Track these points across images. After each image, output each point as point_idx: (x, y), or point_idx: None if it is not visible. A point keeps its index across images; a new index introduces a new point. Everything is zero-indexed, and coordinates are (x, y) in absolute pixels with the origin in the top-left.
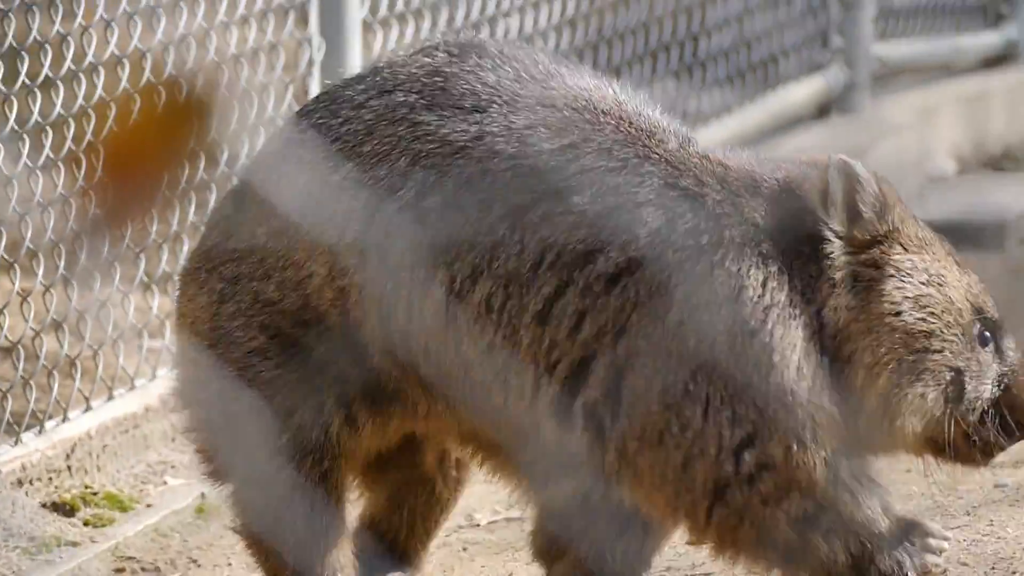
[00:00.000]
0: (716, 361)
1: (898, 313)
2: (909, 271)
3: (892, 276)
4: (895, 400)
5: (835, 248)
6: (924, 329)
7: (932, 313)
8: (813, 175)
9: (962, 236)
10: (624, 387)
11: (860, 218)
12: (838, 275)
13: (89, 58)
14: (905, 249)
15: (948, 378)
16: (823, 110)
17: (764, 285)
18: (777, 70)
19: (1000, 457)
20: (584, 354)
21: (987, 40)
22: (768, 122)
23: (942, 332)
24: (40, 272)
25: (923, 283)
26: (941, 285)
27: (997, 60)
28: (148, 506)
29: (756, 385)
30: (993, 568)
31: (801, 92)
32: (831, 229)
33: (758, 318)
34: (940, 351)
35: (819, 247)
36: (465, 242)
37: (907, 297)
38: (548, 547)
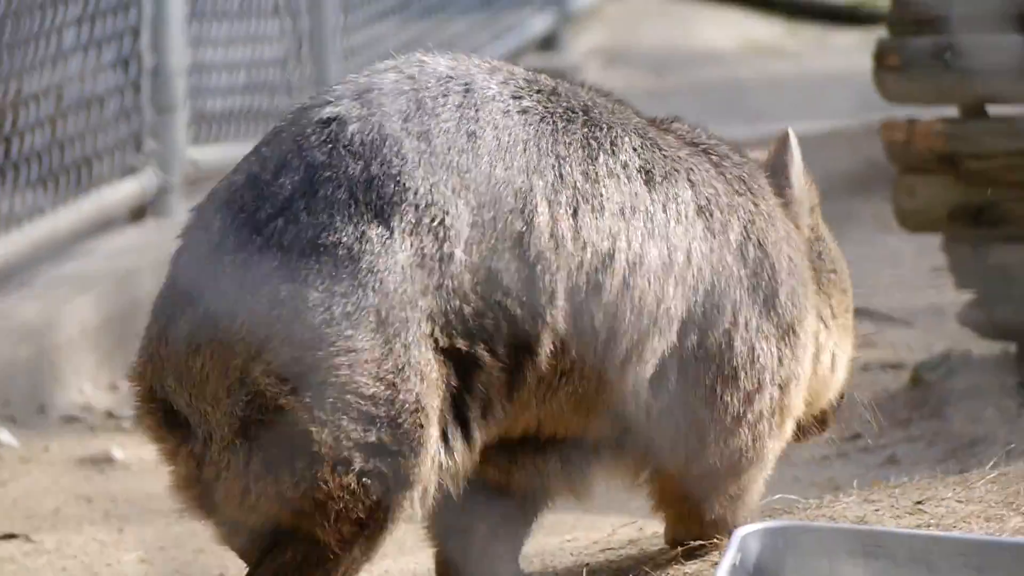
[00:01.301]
0: None
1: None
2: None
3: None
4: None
5: None
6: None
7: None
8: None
9: None
10: None
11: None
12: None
13: None
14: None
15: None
16: (138, 213)
17: None
18: (91, 173)
19: None
20: None
21: None
22: (83, 225)
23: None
24: None
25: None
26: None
27: None
28: None
29: None
30: None
31: (116, 195)
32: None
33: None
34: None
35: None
36: None
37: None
38: None
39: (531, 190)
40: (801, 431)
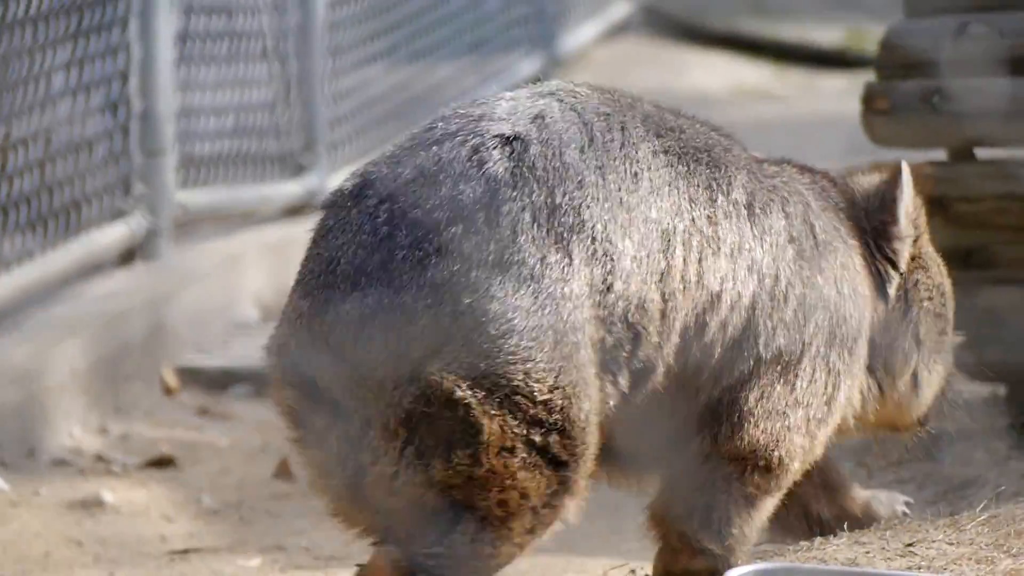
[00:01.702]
0: None
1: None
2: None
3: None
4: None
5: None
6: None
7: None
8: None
9: (266, 383)
10: None
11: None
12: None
13: None
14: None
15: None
16: (127, 256)
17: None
18: (80, 217)
19: None
20: None
21: (289, 190)
22: (72, 268)
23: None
24: None
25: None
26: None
27: (299, 209)
28: None
29: None
30: None
31: (104, 238)
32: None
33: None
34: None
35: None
36: None
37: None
38: None
39: (673, 233)
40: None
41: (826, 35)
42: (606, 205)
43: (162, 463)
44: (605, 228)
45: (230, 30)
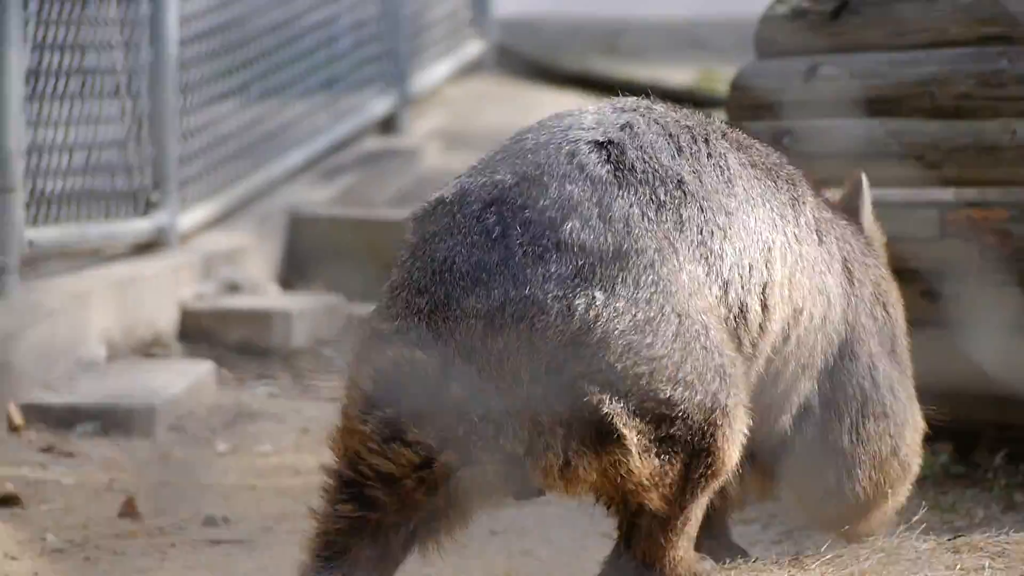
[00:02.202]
0: None
1: None
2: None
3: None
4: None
5: None
6: None
7: None
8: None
9: (113, 422)
10: None
11: None
12: None
13: None
14: None
15: None
16: None
17: None
18: None
19: None
20: None
21: (138, 226)
22: None
23: None
24: None
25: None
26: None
27: (148, 246)
28: None
29: None
30: None
31: None
32: None
33: None
34: None
35: None
36: None
37: None
38: None
39: (773, 246)
40: None
41: (678, 75)
42: (707, 205)
43: (6, 501)
44: (706, 228)
45: (81, 67)
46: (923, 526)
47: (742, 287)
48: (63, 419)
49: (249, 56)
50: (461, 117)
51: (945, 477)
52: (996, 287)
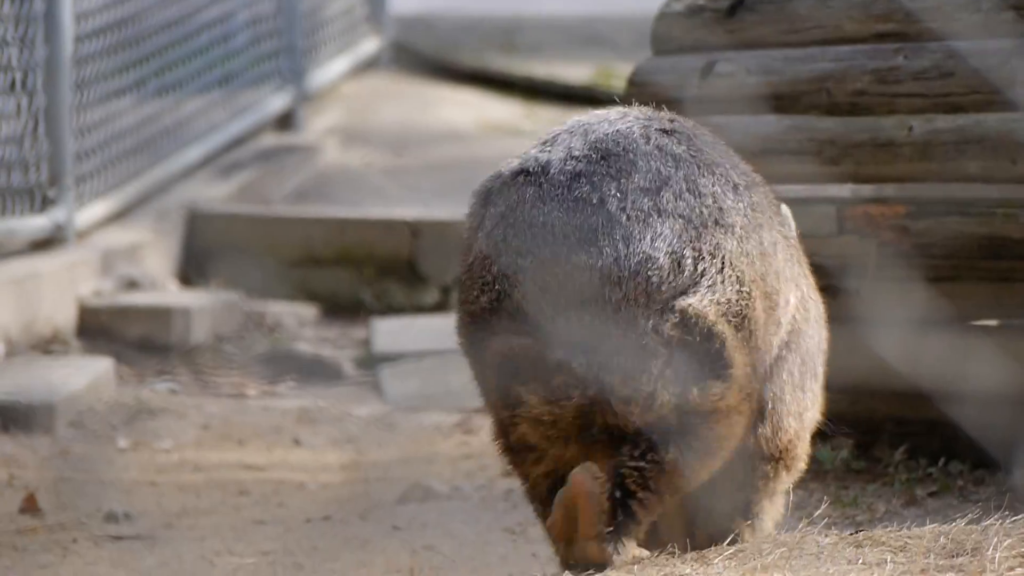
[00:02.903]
0: None
1: None
2: None
3: None
4: None
5: None
6: None
7: None
8: None
9: (12, 419)
10: None
11: None
12: None
13: None
14: None
15: None
16: None
17: None
18: None
19: None
20: None
21: (35, 223)
22: None
23: None
24: None
25: None
26: None
27: (46, 243)
28: None
29: None
30: None
31: None
32: None
33: None
34: None
35: None
36: None
37: None
38: None
39: (775, 246)
40: None
41: (575, 72)
42: (749, 198)
43: None
44: (762, 217)
45: None
46: (825, 520)
47: (760, 291)
48: None
49: (145, 52)
50: (358, 114)
51: (846, 472)
52: (895, 282)
